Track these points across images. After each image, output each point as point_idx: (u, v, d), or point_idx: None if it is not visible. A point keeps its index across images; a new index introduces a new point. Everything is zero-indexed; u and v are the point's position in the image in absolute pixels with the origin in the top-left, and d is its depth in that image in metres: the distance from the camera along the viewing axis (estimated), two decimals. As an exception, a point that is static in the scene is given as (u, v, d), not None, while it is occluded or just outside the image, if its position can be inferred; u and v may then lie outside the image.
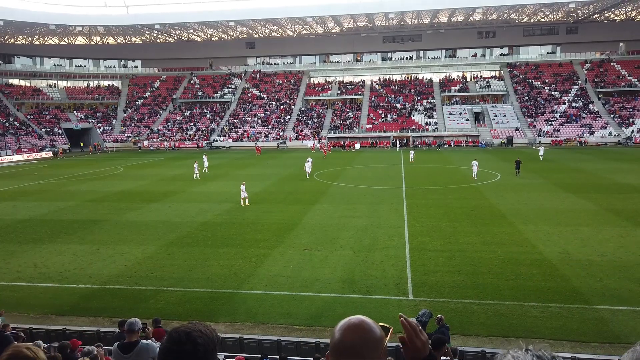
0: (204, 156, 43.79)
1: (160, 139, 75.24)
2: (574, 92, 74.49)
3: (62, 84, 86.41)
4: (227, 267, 16.55)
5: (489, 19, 78.85)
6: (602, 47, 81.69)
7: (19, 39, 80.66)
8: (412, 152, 50.58)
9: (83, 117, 79.83)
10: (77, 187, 35.24)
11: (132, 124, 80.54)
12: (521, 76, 79.96)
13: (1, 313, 10.86)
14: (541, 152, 47.22)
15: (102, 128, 78.54)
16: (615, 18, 78.87)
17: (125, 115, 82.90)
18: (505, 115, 72.18)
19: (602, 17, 78.50)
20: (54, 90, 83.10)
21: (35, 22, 66.97)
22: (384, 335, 1.57)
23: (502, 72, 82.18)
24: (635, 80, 74.01)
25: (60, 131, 73.87)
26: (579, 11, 74.31)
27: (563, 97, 73.88)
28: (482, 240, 19.12)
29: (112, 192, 32.60)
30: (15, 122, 70.77)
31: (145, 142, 74.12)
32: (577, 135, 65.61)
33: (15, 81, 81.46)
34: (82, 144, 72.70)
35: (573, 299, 13.35)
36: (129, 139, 76.11)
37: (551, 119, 69.81)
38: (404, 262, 16.66)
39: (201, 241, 20.01)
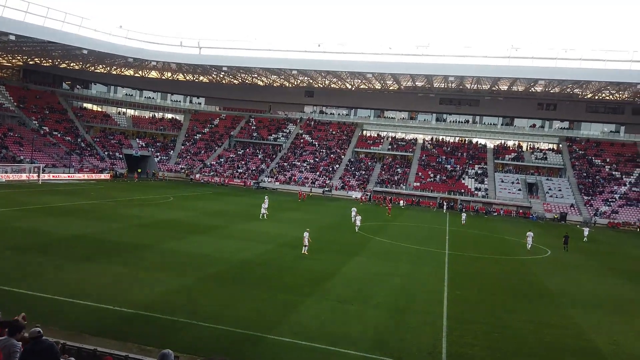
0: (265, 197, 44.99)
1: (211, 173, 77.72)
2: (636, 175, 71.18)
3: (130, 112, 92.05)
4: (259, 310, 16.43)
5: (551, 91, 77.89)
6: (671, 131, 78.33)
7: (98, 68, 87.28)
8: (464, 215, 52.43)
9: (144, 145, 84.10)
10: (128, 211, 36.64)
11: (188, 157, 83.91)
12: (580, 152, 77.57)
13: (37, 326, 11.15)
14: (585, 232, 44.03)
15: (159, 157, 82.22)
16: (687, 103, 75.90)
17: (182, 147, 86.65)
18: (560, 190, 69.66)
19: (672, 101, 75.73)
20: (121, 117, 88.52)
21: (117, 54, 72.40)
22: None
23: (560, 145, 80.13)
24: None
25: (120, 156, 77.91)
26: (647, 92, 72.11)
27: (624, 178, 70.71)
28: (526, 319, 18.06)
29: (159, 220, 33.64)
30: (82, 143, 75.41)
31: (197, 175, 76.76)
32: (638, 219, 62.05)
33: (89, 105, 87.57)
34: (139, 170, 76.26)
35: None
36: (183, 171, 79.12)
37: (610, 200, 66.64)
38: (440, 330, 15.94)
39: (237, 279, 20.09)
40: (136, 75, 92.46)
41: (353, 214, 42.05)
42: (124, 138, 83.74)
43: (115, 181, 64.57)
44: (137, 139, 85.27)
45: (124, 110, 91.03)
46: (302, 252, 25.96)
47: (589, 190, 69.11)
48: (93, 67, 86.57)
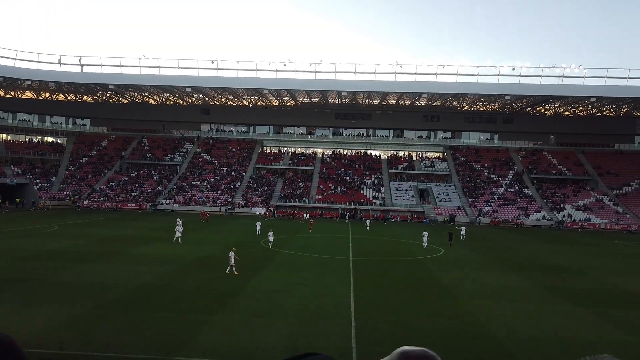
0: (178, 219, 42.25)
1: (102, 198, 72.25)
2: (510, 177, 79.50)
3: (2, 137, 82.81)
4: (163, 333, 15.45)
5: (434, 104, 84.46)
6: (535, 137, 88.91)
7: (-40, 88, 77.66)
8: (368, 222, 56.54)
9: (20, 172, 75.90)
10: (3, 244, 32.66)
11: (73, 182, 77.26)
12: (462, 159, 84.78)
13: None
14: (463, 231, 47.16)
15: (39, 185, 74.71)
16: (546, 112, 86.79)
17: (67, 172, 79.63)
18: (448, 194, 75.34)
19: (534, 111, 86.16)
20: (-9, 143, 79.29)
21: (-20, 72, 65.08)
22: None
23: (445, 153, 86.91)
24: (565, 169, 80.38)
25: (-8, 185, 69.56)
26: (513, 104, 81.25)
27: (501, 181, 78.53)
28: (427, 313, 19.10)
29: (42, 251, 30.41)
30: (-57, 173, 66.19)
31: (85, 202, 70.83)
32: (514, 217, 69.11)
33: (-51, 130, 77.27)
34: (17, 200, 68.61)
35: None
36: (68, 198, 72.54)
37: (490, 201, 73.50)
38: (349, 332, 16.23)
39: (136, 304, 18.74)
40: (7, 96, 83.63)
41: (258, 227, 42.77)
42: (-4, 165, 74.95)
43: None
44: (11, 166, 76.73)
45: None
46: (234, 272, 24.85)
47: (472, 193, 75.63)
48: (-47, 87, 76.84)
